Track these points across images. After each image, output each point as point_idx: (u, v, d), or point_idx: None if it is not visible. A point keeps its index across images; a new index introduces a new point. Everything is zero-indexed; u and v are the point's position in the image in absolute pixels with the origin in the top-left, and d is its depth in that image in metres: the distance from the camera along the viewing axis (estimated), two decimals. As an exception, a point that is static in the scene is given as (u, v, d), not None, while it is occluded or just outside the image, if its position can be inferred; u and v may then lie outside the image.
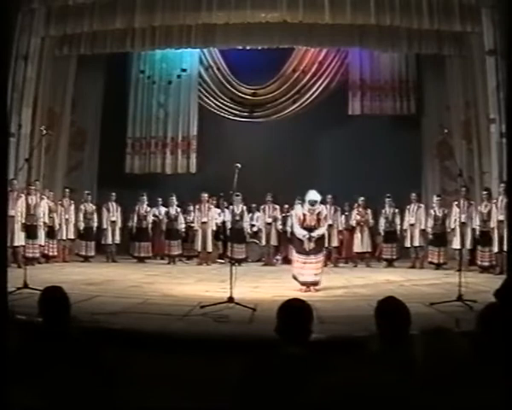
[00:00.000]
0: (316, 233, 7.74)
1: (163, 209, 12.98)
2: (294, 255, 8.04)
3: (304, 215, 7.83)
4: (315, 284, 7.75)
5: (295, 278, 7.86)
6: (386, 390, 1.95)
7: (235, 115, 14.90)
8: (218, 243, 12.99)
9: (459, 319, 4.68)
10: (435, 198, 11.96)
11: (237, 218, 12.21)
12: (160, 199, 13.04)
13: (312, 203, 7.82)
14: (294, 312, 2.63)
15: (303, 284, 7.76)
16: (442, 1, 11.01)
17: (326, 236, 8.56)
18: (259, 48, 13.00)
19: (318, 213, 7.83)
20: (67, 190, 12.83)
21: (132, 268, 11.25)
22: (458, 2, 10.99)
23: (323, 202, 8.74)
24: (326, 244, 8.74)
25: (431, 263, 11.64)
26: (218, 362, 3.97)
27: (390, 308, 2.75)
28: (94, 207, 12.87)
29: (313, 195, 7.90)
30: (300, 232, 7.80)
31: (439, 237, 11.56)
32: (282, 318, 2.61)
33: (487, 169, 11.38)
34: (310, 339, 2.63)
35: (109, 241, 12.76)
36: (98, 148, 14.80)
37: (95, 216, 12.74)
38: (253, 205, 13.16)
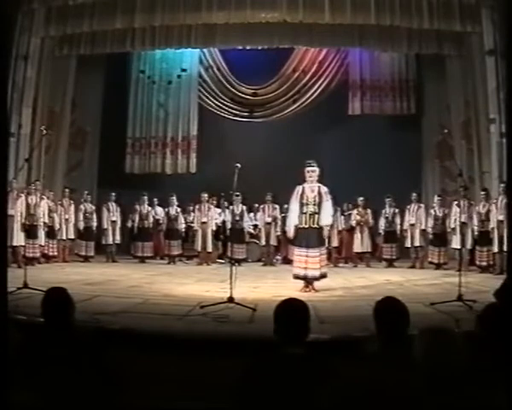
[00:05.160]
0: (323, 215, 7.59)
1: (159, 209, 13.00)
2: (295, 251, 7.88)
3: (303, 189, 7.75)
4: (316, 278, 7.56)
5: (297, 276, 7.68)
6: (386, 391, 1.95)
7: (235, 115, 14.90)
8: (218, 243, 12.99)
9: (459, 319, 4.69)
10: (436, 198, 11.96)
11: (237, 218, 12.22)
12: (155, 199, 13.05)
13: (308, 164, 7.75)
14: (290, 311, 2.62)
15: (302, 278, 7.60)
16: (442, 1, 11.02)
17: (328, 223, 7.92)
18: (259, 48, 13.00)
19: (319, 188, 7.70)
20: (67, 190, 12.83)
21: (132, 268, 11.25)
22: (458, 2, 10.99)
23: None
24: (326, 242, 8.35)
25: (431, 263, 11.64)
26: (218, 362, 3.97)
27: (388, 308, 2.75)
28: (93, 208, 12.89)
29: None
30: (294, 214, 7.67)
31: (439, 237, 11.56)
32: (278, 318, 2.60)
33: (487, 169, 11.37)
34: (308, 339, 2.62)
35: (110, 241, 12.77)
36: (98, 148, 14.82)
37: (94, 216, 12.76)
38: (256, 205, 13.16)
